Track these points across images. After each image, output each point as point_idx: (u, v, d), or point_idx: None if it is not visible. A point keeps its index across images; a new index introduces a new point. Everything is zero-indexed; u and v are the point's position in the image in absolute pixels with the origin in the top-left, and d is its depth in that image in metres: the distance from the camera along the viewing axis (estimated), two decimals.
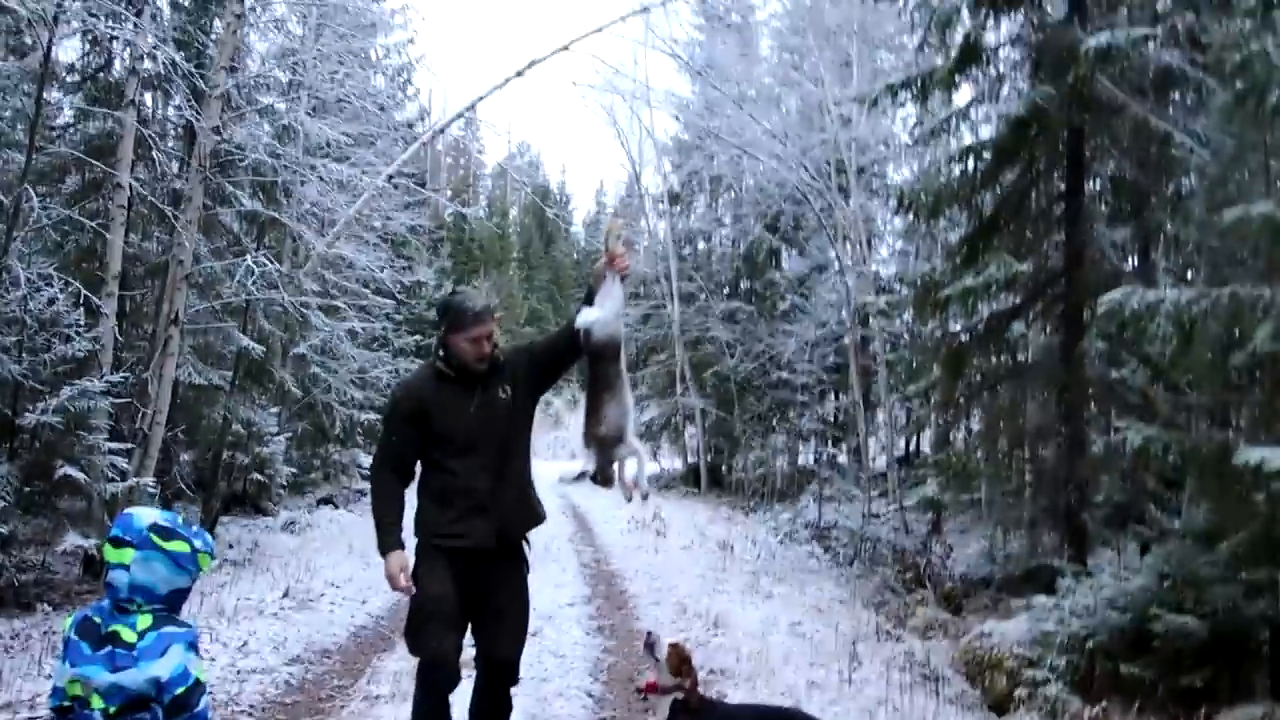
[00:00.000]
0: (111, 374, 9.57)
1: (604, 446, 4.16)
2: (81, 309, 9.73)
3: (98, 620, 2.74)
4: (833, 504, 18.72)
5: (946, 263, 12.33)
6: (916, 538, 14.06)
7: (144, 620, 2.72)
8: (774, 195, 24.91)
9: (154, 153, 10.26)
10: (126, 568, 2.73)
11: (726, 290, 28.59)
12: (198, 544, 2.83)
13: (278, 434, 15.26)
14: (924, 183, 12.62)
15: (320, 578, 10.24)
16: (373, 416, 17.55)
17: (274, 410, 15.65)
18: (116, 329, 10.23)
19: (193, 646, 2.76)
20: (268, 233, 13.66)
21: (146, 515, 2.80)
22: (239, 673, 6.48)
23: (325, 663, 6.99)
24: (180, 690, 2.67)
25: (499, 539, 4.08)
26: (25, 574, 9.30)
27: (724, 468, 28.33)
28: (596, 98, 27.03)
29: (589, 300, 4.15)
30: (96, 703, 2.66)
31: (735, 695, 6.25)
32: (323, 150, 15.22)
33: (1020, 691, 7.19)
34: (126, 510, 2.86)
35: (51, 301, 8.82)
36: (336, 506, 18.79)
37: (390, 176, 14.60)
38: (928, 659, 7.85)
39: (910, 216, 11.86)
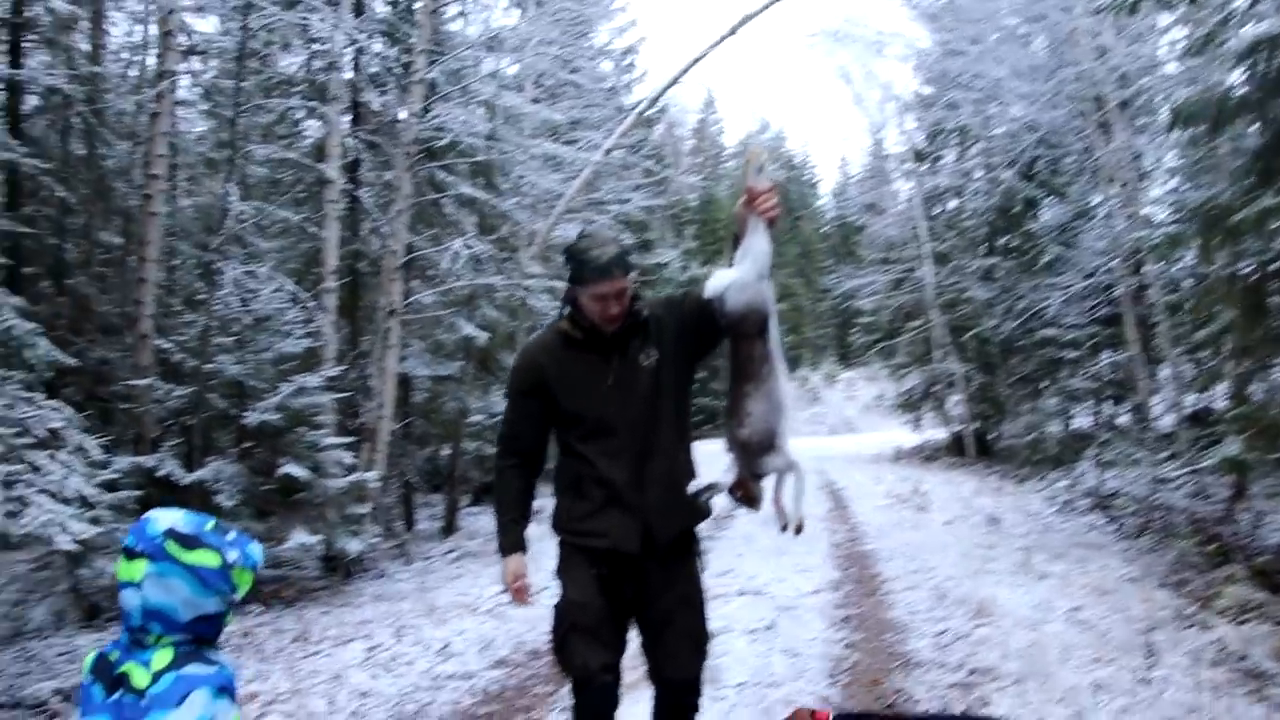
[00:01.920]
0: (333, 369, 9.51)
1: (748, 454, 3.17)
2: (305, 308, 9.77)
3: (113, 658, 2.11)
4: (1114, 469, 16.93)
5: (1235, 186, 10.70)
6: (1217, 504, 12.35)
7: (161, 657, 2.07)
8: (1026, 141, 23.04)
9: (347, 140, 10.14)
10: (138, 585, 2.08)
11: (982, 247, 26.71)
12: (231, 556, 2.14)
13: None
14: (1202, 94, 11.00)
15: (548, 569, 9.73)
16: None
17: None
18: (338, 324, 10.18)
19: (224, 691, 2.08)
20: (488, 219, 13.46)
21: (164, 519, 2.13)
22: (435, 679, 6.05)
23: (532, 665, 6.42)
24: None
25: (643, 541, 3.27)
26: (270, 570, 9.41)
27: (990, 435, 26.57)
28: (828, 53, 25.94)
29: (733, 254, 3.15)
30: None
31: (1003, 703, 5.27)
32: (550, 134, 15.07)
33: None
34: (147, 514, 2.18)
35: (257, 300, 8.82)
36: None
37: (609, 150, 14.12)
38: (1244, 651, 6.51)
39: (1187, 132, 10.30)
